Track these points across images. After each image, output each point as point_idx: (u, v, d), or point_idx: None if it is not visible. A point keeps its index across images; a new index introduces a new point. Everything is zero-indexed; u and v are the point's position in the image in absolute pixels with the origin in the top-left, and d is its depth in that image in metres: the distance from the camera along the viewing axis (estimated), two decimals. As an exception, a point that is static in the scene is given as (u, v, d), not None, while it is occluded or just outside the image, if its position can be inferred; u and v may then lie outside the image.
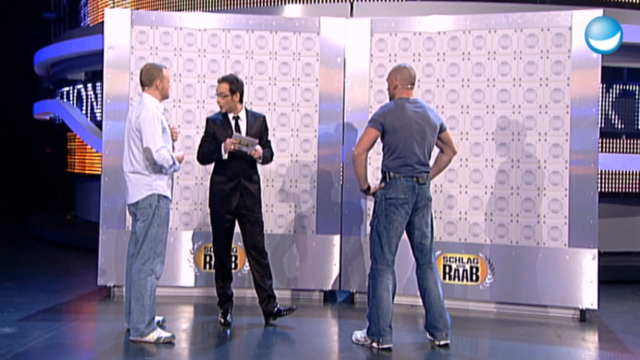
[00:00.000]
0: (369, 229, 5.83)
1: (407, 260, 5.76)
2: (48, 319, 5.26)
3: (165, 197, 4.59)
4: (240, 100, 5.04)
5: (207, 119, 5.10)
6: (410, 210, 4.52)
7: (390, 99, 4.68)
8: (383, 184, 4.54)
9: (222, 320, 5.09)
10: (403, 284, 5.73)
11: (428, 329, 4.67)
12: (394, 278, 4.56)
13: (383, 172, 4.58)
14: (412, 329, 5.14)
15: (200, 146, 5.07)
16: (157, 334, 4.55)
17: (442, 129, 4.66)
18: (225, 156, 4.91)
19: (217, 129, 5.01)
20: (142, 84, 4.66)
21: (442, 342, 4.60)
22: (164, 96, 4.71)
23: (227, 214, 5.00)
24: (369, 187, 4.62)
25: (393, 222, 4.48)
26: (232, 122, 5.03)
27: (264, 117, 5.19)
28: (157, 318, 4.88)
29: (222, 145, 4.89)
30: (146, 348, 4.48)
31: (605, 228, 6.97)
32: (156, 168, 4.53)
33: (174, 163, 4.54)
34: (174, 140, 4.76)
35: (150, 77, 4.61)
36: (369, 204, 5.88)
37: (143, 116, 4.49)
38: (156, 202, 4.54)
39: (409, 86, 4.60)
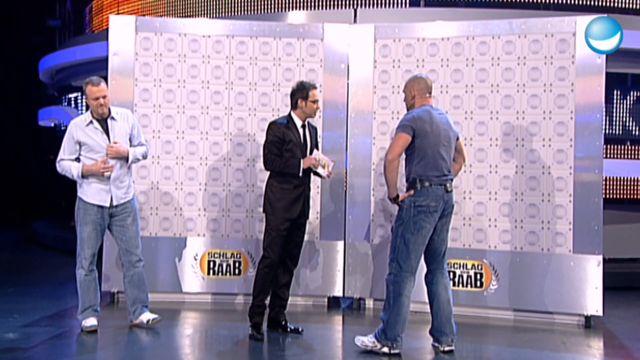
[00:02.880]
0: (372, 234, 5.87)
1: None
2: (52, 324, 5.27)
3: (82, 199, 4.97)
4: None
5: (275, 123, 4.92)
6: (438, 218, 4.51)
7: (407, 110, 4.66)
8: (412, 192, 4.47)
9: (257, 335, 4.87)
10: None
11: (434, 334, 4.65)
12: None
13: (413, 179, 4.50)
14: (414, 336, 5.13)
15: (269, 151, 4.87)
16: (88, 322, 4.93)
17: (457, 137, 4.68)
18: (300, 173, 4.86)
19: (287, 132, 4.87)
20: None
21: (446, 348, 4.58)
22: (94, 112, 4.94)
23: (288, 221, 4.90)
24: (397, 195, 4.51)
25: (422, 229, 4.44)
26: (301, 131, 4.95)
27: (316, 129, 5.19)
28: (150, 317, 5.05)
29: (302, 161, 4.83)
30: (150, 353, 4.47)
31: (610, 234, 6.95)
32: (83, 177, 4.93)
33: (72, 176, 4.92)
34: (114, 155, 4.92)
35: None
36: (373, 210, 5.88)
37: None
38: (78, 203, 5.00)
39: (427, 95, 4.59)
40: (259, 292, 4.90)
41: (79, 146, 4.91)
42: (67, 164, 4.92)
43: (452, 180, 4.57)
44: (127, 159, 4.99)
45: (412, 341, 4.91)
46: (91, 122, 4.92)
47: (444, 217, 4.55)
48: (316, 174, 5.00)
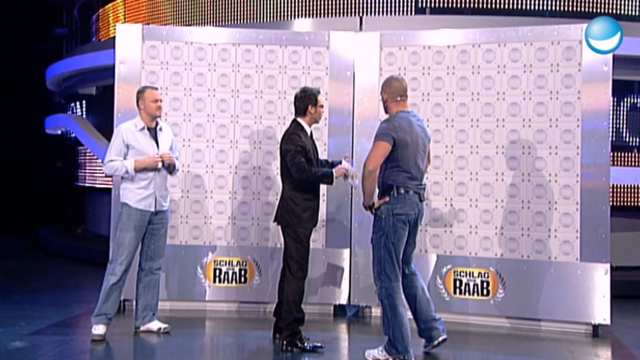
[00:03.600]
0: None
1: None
2: (58, 333, 5.27)
3: (127, 205, 4.99)
4: None
5: (296, 133, 4.78)
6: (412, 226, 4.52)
7: (385, 111, 4.64)
8: (387, 199, 4.46)
9: (319, 346, 4.79)
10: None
11: (423, 335, 4.64)
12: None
13: (389, 185, 4.48)
14: (419, 344, 5.10)
15: (299, 160, 4.70)
16: (97, 329, 4.96)
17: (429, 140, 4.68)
18: (334, 184, 4.87)
19: (305, 141, 4.81)
20: None
21: (440, 339, 4.59)
22: (150, 115, 5.06)
23: (311, 231, 4.89)
24: (373, 203, 4.52)
25: (401, 237, 4.45)
26: (309, 139, 4.91)
27: None
28: (161, 325, 5.12)
29: (335, 171, 4.75)
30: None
31: (618, 242, 6.91)
32: (125, 179, 5.01)
33: (126, 171, 4.94)
34: (164, 166, 5.04)
35: (136, 100, 5.09)
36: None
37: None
38: (120, 209, 5.04)
39: (398, 98, 4.53)
40: (299, 305, 4.82)
41: (127, 149, 4.99)
42: (117, 163, 4.95)
43: (424, 189, 4.58)
44: (170, 168, 5.14)
45: (417, 349, 4.90)
46: (143, 128, 5.04)
47: (416, 226, 4.56)
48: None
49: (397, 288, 4.45)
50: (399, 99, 4.53)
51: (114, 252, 5.01)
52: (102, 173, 10.19)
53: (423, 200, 4.54)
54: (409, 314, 4.60)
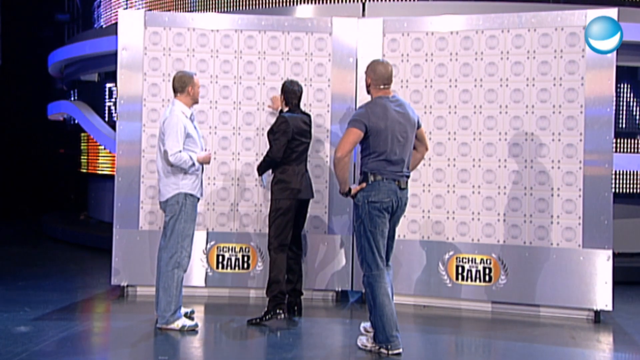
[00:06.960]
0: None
1: (415, 260, 5.77)
2: (62, 318, 5.30)
3: (192, 195, 4.89)
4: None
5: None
6: (391, 214, 4.42)
7: (367, 93, 4.55)
8: (364, 185, 4.38)
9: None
10: (413, 284, 5.73)
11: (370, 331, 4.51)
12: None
13: (364, 172, 4.41)
14: (422, 330, 5.13)
15: None
16: (182, 322, 4.90)
17: (418, 125, 4.54)
18: None
19: None
20: (174, 90, 4.97)
21: (396, 351, 4.34)
22: (194, 101, 5.03)
23: None
24: (349, 190, 4.45)
25: (379, 225, 4.35)
26: None
27: None
28: (184, 310, 5.08)
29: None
30: (160, 347, 4.50)
31: (620, 229, 6.92)
32: (181, 169, 4.84)
33: (193, 164, 4.84)
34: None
35: (183, 84, 4.93)
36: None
37: (167, 121, 4.85)
38: (183, 199, 4.87)
39: (382, 86, 4.43)
40: None
41: (185, 138, 4.87)
42: (185, 154, 4.81)
43: (407, 177, 4.47)
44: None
45: (419, 336, 4.92)
46: (192, 114, 4.99)
47: (396, 215, 4.46)
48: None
49: (378, 277, 4.37)
50: (382, 86, 4.44)
51: (177, 245, 4.86)
52: (105, 159, 10.21)
53: (403, 188, 4.42)
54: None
